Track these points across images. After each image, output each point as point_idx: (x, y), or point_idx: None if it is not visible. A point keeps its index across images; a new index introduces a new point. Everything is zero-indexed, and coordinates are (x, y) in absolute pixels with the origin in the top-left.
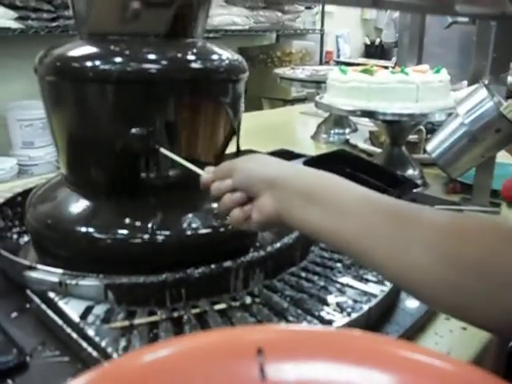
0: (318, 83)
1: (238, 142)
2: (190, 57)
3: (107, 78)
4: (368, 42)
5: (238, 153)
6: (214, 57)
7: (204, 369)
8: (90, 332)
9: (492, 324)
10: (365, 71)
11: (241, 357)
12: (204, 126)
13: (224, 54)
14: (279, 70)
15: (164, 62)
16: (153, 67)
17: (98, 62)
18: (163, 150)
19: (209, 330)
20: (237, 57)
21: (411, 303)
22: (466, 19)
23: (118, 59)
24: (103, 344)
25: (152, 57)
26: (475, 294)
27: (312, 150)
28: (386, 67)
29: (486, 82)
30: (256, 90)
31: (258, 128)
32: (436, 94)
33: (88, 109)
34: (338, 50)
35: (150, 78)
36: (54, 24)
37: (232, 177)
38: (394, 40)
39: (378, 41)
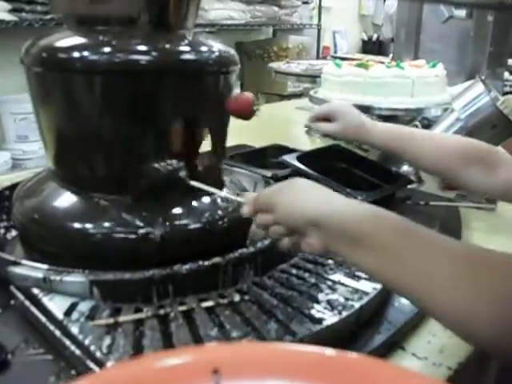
0: (314, 77)
1: (224, 138)
2: (180, 48)
3: (95, 69)
4: (365, 38)
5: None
6: (204, 48)
7: None
8: (74, 329)
9: None
10: (360, 65)
11: (196, 377)
12: (194, 119)
13: (215, 46)
14: (274, 65)
15: (153, 53)
16: (141, 58)
17: (85, 53)
18: (194, 183)
19: (195, 328)
20: (228, 49)
21: (403, 301)
22: (463, 14)
23: (106, 50)
24: (86, 342)
25: (141, 47)
26: None
27: (307, 145)
28: (383, 62)
29: (483, 76)
30: (252, 85)
31: (252, 123)
32: (432, 89)
33: (75, 101)
34: (335, 46)
35: (139, 69)
36: (48, 17)
37: (273, 211)
38: (391, 36)
39: (375, 37)
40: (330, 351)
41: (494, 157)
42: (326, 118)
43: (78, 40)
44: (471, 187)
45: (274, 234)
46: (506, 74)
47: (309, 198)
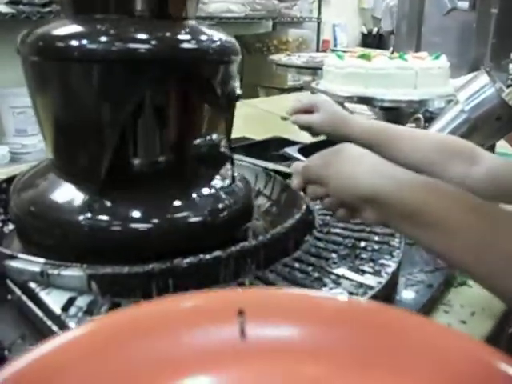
0: (315, 69)
1: (229, 128)
2: (180, 37)
3: (93, 58)
4: (365, 32)
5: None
6: (205, 37)
7: (186, 329)
8: (72, 325)
9: None
10: (362, 56)
11: (222, 317)
12: (194, 108)
13: (215, 35)
14: (275, 57)
15: (152, 42)
16: (141, 47)
17: (83, 41)
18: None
19: None
20: (230, 38)
21: (409, 295)
22: (466, 5)
23: (104, 38)
24: None
25: (140, 36)
26: None
27: (307, 137)
28: (384, 54)
29: (488, 68)
30: (252, 79)
31: (252, 115)
32: (435, 81)
33: (73, 91)
34: (335, 39)
35: (138, 58)
36: (46, 9)
37: (326, 185)
38: (391, 29)
39: (375, 30)
40: (358, 300)
41: (471, 151)
42: (307, 111)
43: (76, 28)
44: (455, 182)
45: (328, 205)
46: (511, 67)
47: (361, 172)
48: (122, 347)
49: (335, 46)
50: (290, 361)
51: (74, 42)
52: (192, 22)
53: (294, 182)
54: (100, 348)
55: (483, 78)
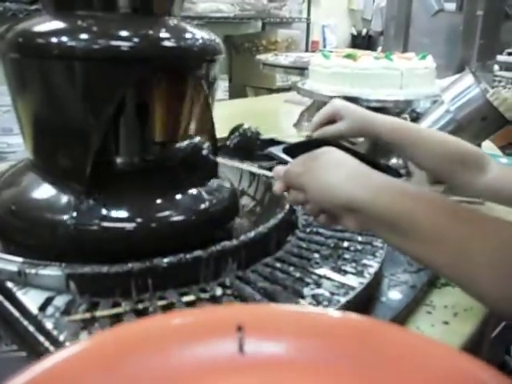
0: (302, 70)
1: (213, 128)
2: (162, 34)
3: (73, 55)
4: (355, 33)
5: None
6: (188, 35)
7: (186, 344)
8: (49, 325)
9: None
10: (348, 56)
11: (221, 333)
12: (177, 107)
13: (198, 34)
14: (262, 57)
15: (135, 39)
16: (122, 44)
17: (64, 38)
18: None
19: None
20: (213, 37)
21: (392, 296)
22: (452, 7)
23: (86, 35)
24: (61, 338)
25: (122, 33)
26: None
27: (295, 137)
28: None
29: (473, 69)
30: (241, 79)
31: (240, 115)
32: (421, 81)
33: (53, 88)
34: (324, 40)
35: (120, 55)
36: (33, 7)
37: (305, 192)
38: (380, 30)
39: (364, 31)
40: (352, 315)
41: (481, 159)
42: (330, 122)
43: (57, 25)
44: (465, 190)
45: (309, 211)
46: (496, 68)
47: (338, 181)
48: (123, 362)
49: (324, 46)
50: (288, 376)
51: (55, 39)
52: (175, 20)
53: (276, 187)
54: (103, 363)
55: (468, 79)
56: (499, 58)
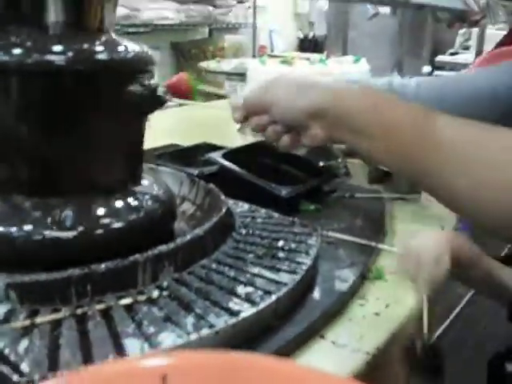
0: (243, 75)
1: (142, 138)
2: (95, 48)
3: (7, 70)
4: (301, 36)
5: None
6: (121, 48)
7: None
8: None
9: None
10: (284, 62)
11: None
12: (111, 119)
13: (130, 46)
14: (204, 64)
15: (69, 53)
16: (56, 58)
17: None
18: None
19: (114, 328)
20: (145, 49)
21: (325, 290)
22: (387, 11)
23: (19, 50)
24: (0, 345)
25: (55, 48)
26: None
27: (239, 143)
28: (308, 59)
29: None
30: None
31: (183, 122)
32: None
33: None
34: (272, 45)
35: (53, 69)
36: None
37: (269, 111)
38: (325, 33)
39: (311, 34)
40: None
41: None
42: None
43: None
44: None
45: (272, 134)
46: (426, 68)
47: (304, 90)
48: None
49: (272, 51)
50: None
51: None
52: (109, 34)
53: (235, 116)
54: None
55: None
56: (440, 58)
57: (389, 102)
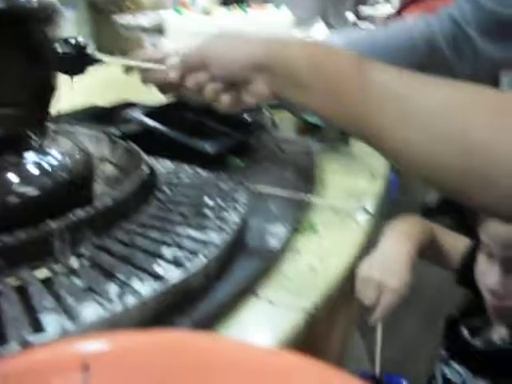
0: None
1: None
2: None
3: None
4: None
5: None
6: None
7: None
8: None
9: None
10: (201, 11)
11: (64, 375)
12: (13, 72)
13: None
14: (118, 17)
15: None
16: None
17: None
18: (104, 57)
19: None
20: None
21: (257, 246)
22: None
23: None
24: None
25: None
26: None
27: (154, 100)
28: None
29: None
30: (108, 44)
31: (103, 81)
32: (277, 33)
33: None
34: None
35: None
36: None
37: (208, 67)
38: None
39: None
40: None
41: None
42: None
43: None
44: None
45: (211, 92)
46: (351, 17)
47: (245, 44)
48: None
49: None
50: None
51: None
52: None
53: (171, 75)
54: None
55: (322, 30)
56: (363, 9)
57: (329, 54)
